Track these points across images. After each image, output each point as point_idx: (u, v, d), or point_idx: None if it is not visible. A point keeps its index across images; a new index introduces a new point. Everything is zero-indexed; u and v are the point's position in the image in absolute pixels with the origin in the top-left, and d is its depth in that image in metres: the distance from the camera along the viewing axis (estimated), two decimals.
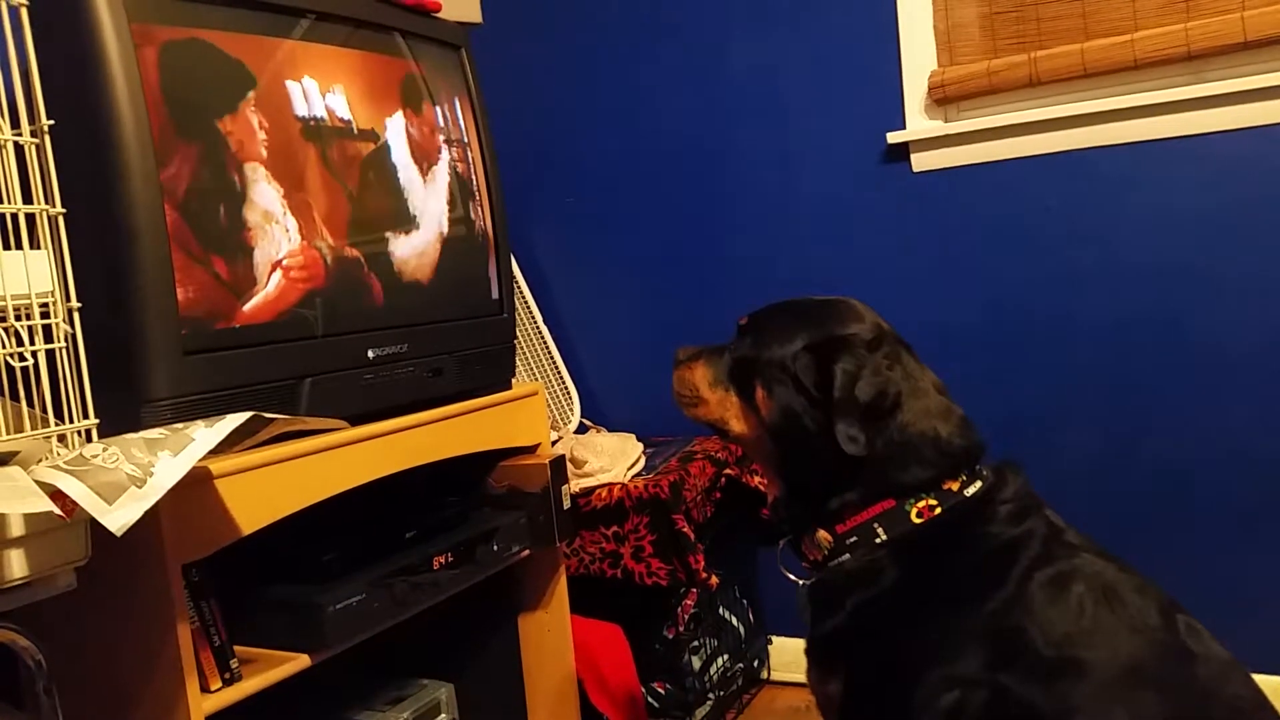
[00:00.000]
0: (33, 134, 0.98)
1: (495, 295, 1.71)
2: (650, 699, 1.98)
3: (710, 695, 2.04)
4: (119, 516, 0.87)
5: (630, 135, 2.38)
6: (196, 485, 1.11)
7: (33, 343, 0.96)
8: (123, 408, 1.13)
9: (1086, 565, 1.08)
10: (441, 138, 1.62)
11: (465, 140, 1.67)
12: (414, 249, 1.54)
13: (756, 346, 1.25)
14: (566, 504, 1.69)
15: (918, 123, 2.08)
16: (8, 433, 0.94)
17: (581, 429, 2.38)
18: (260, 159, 1.31)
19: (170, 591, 1.09)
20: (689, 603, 1.98)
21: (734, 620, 2.19)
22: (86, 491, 0.87)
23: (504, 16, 2.44)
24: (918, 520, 1.14)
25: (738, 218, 2.29)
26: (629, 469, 2.00)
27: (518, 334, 2.29)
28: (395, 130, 1.52)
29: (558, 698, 1.78)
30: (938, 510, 1.14)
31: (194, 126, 1.23)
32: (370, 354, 1.42)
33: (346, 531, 1.46)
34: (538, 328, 2.42)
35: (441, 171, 1.61)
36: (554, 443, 2.00)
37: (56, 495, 0.87)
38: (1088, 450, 1.99)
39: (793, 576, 1.25)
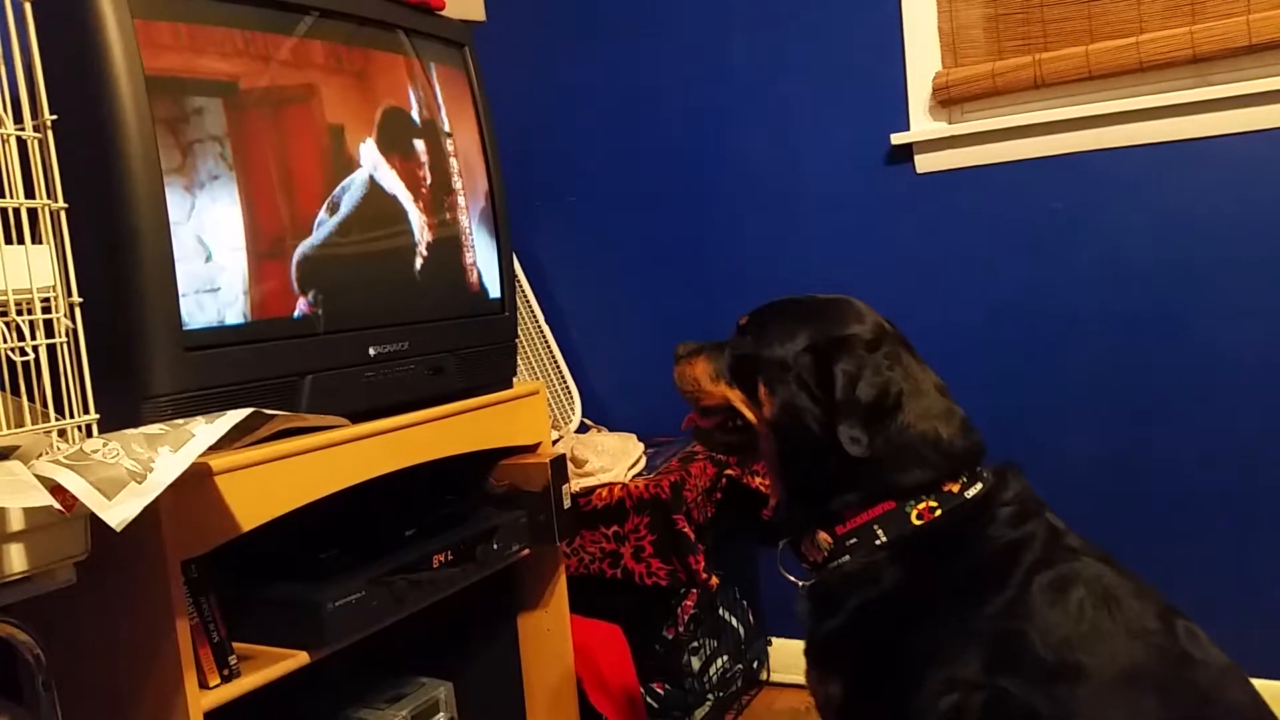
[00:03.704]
0: (35, 129, 0.98)
1: (496, 293, 1.71)
2: (649, 699, 1.98)
3: (710, 696, 2.04)
4: (119, 512, 0.87)
5: (633, 134, 2.38)
6: (196, 481, 1.11)
7: (34, 337, 0.96)
8: (123, 403, 1.13)
9: (1087, 569, 1.08)
10: (444, 135, 1.62)
11: (468, 138, 1.67)
12: (416, 246, 1.54)
13: (758, 344, 1.25)
14: (567, 503, 1.69)
15: (922, 124, 2.08)
16: (8, 427, 0.94)
17: (582, 428, 2.38)
18: (263, 156, 1.31)
19: (169, 587, 1.09)
20: (689, 603, 1.97)
21: (734, 621, 2.19)
22: (86, 486, 0.87)
23: (508, 14, 2.44)
24: (918, 522, 1.14)
25: (741, 217, 2.29)
26: (630, 469, 2.00)
27: (519, 333, 2.29)
28: (398, 129, 1.52)
29: (557, 697, 1.78)
30: (938, 512, 1.14)
31: (196, 122, 1.23)
32: (371, 351, 1.42)
33: (346, 529, 1.46)
34: (539, 326, 2.42)
35: (445, 169, 1.61)
36: (555, 442, 2.00)
37: (56, 490, 0.87)
38: (1089, 453, 1.99)
39: (792, 578, 1.25)
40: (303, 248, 1.35)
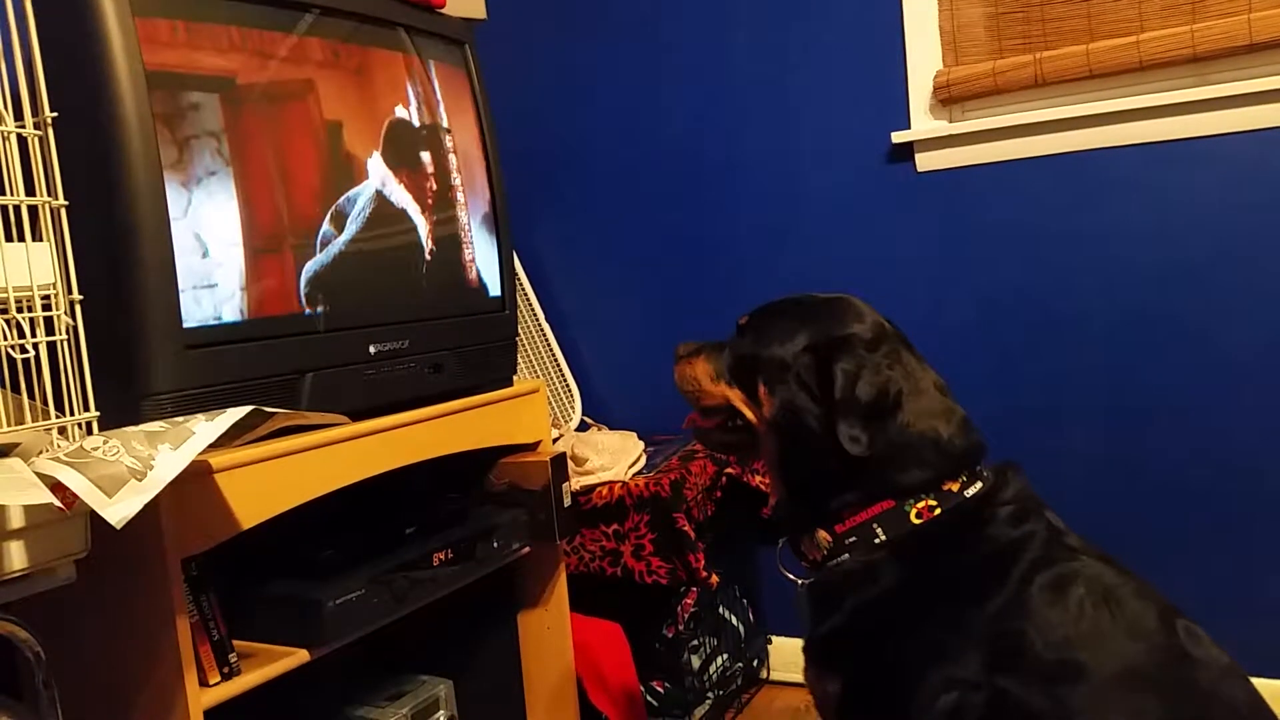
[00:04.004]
0: (35, 126, 0.98)
1: (497, 292, 1.71)
2: (649, 698, 1.98)
3: (709, 694, 2.04)
4: (119, 509, 0.87)
5: (634, 132, 2.37)
6: (197, 479, 1.11)
7: (34, 335, 0.96)
8: (123, 401, 1.13)
9: (1087, 568, 1.08)
10: (445, 133, 1.62)
11: (468, 136, 1.67)
12: (416, 244, 1.54)
13: (757, 344, 1.25)
14: (567, 501, 1.69)
15: (923, 123, 2.08)
16: (8, 424, 0.94)
17: (583, 426, 2.38)
18: (264, 154, 1.31)
19: (170, 585, 1.09)
20: (689, 602, 1.98)
21: (734, 620, 2.19)
22: (87, 484, 0.87)
23: (509, 12, 2.44)
24: (917, 521, 1.14)
25: (741, 216, 2.29)
26: (630, 467, 2.00)
27: (519, 331, 2.29)
28: (398, 126, 1.52)
29: (557, 695, 1.78)
30: (937, 511, 1.14)
31: (197, 120, 1.23)
32: (371, 349, 1.42)
33: (346, 527, 1.46)
34: (539, 325, 2.42)
35: (444, 167, 1.61)
36: (555, 440, 2.00)
37: (57, 487, 0.87)
38: (1088, 452, 1.99)
39: (792, 576, 1.25)
40: (312, 265, 1.34)
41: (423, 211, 1.55)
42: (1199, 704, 1.00)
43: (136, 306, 1.14)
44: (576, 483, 1.92)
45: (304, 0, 1.38)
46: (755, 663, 2.28)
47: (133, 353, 1.14)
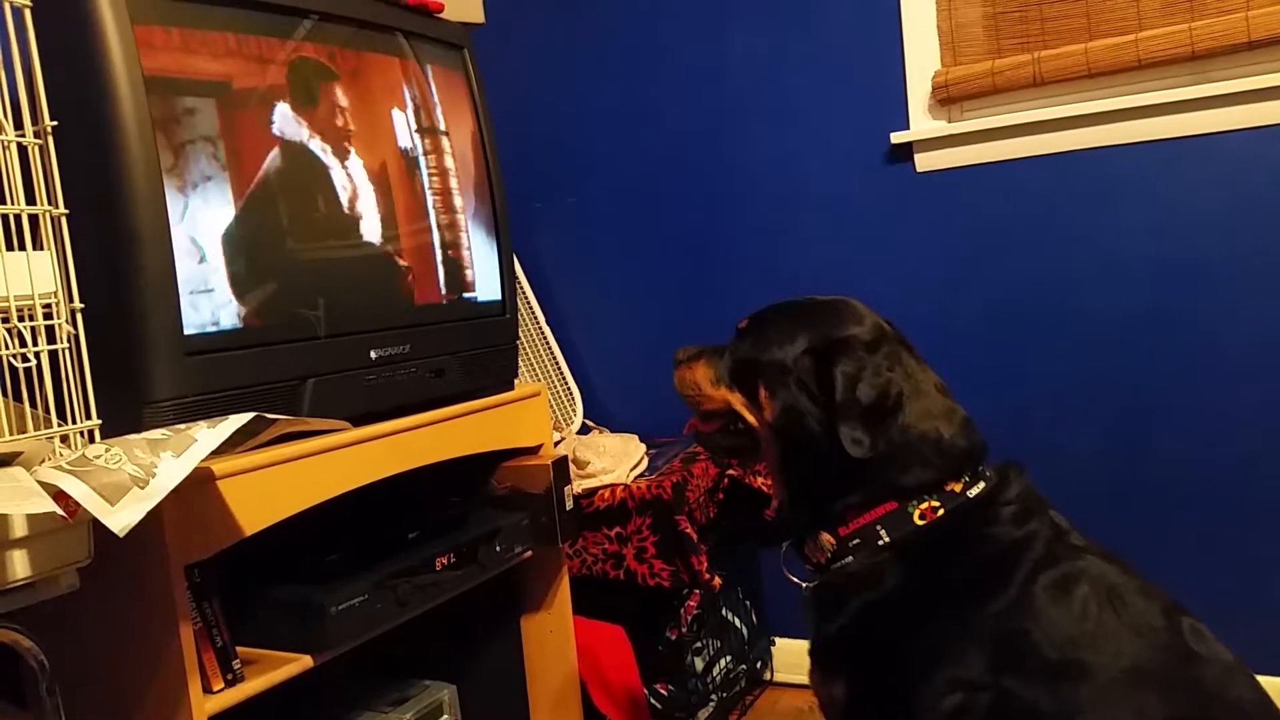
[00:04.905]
0: (36, 135, 0.98)
1: (497, 295, 1.71)
2: (653, 700, 1.98)
3: (713, 696, 2.04)
4: (121, 517, 0.87)
5: (634, 135, 2.38)
6: (199, 486, 1.11)
7: (35, 343, 0.96)
8: (125, 408, 1.13)
9: (1091, 567, 1.08)
10: (444, 138, 1.62)
11: (467, 139, 1.67)
12: (415, 248, 1.54)
13: (757, 348, 1.25)
14: (569, 505, 1.69)
15: (921, 123, 2.08)
16: (11, 433, 0.94)
17: (584, 430, 2.38)
18: (263, 160, 1.31)
19: (173, 592, 1.09)
20: (692, 604, 1.97)
21: (737, 621, 2.18)
22: (89, 492, 0.87)
23: (507, 16, 2.44)
24: (920, 522, 1.14)
25: (741, 218, 2.29)
26: (632, 470, 2.00)
27: (520, 334, 2.29)
28: (398, 131, 1.52)
29: (560, 699, 1.78)
30: (940, 512, 1.14)
31: (196, 127, 1.23)
32: (373, 354, 1.42)
33: (349, 532, 1.46)
34: (540, 328, 2.42)
35: (444, 172, 1.61)
36: (556, 443, 2.00)
37: (59, 496, 0.87)
38: (1090, 451, 1.99)
39: (796, 579, 1.25)
40: (311, 270, 1.33)
41: (422, 215, 1.55)
42: (1204, 702, 1.00)
43: (137, 314, 1.14)
44: (578, 486, 1.91)
45: (302, 6, 1.38)
46: (759, 664, 2.28)
47: (134, 360, 1.15)
